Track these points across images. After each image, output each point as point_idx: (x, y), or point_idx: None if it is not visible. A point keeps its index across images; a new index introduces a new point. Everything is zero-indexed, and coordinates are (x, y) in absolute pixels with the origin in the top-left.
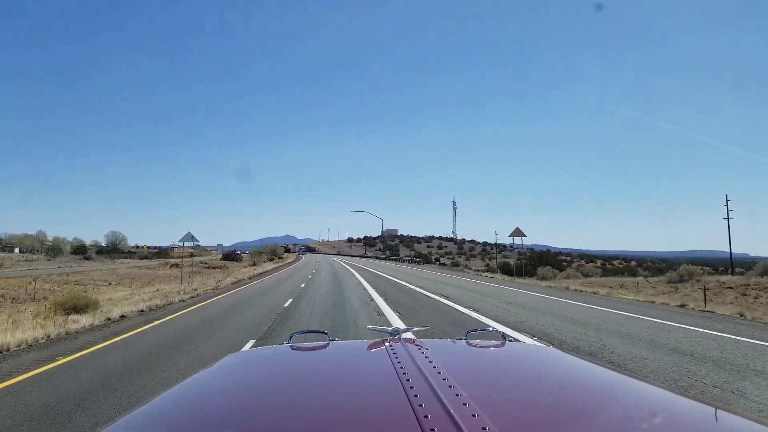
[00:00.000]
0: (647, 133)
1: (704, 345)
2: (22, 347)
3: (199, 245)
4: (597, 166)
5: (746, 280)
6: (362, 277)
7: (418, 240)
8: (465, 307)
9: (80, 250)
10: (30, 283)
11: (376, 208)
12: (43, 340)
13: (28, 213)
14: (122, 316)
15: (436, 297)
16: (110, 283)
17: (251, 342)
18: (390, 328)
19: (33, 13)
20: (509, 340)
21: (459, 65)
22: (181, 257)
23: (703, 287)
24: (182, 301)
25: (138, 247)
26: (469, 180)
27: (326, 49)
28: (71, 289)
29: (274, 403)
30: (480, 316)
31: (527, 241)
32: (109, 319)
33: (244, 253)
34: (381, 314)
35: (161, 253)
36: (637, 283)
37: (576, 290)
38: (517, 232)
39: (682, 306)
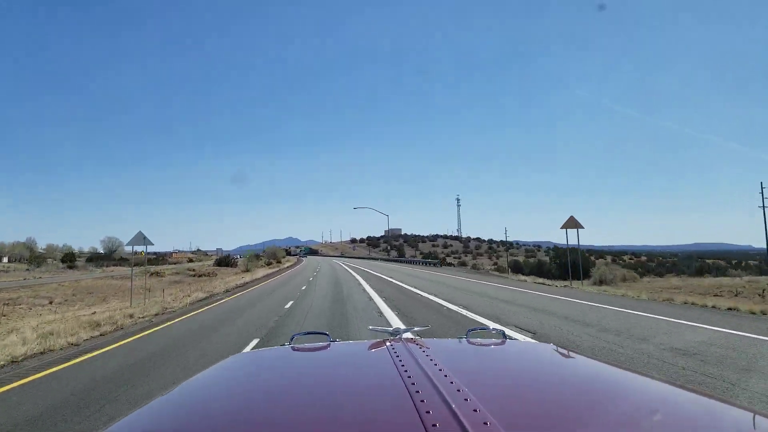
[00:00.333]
0: (648, 132)
1: None
2: None
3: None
4: (596, 162)
5: None
6: (373, 289)
7: (423, 239)
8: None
9: (69, 258)
10: None
11: (379, 207)
12: None
13: (27, 221)
14: None
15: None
16: (51, 302)
17: None
18: (391, 328)
19: (27, 17)
20: (510, 339)
21: (459, 66)
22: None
23: None
24: (75, 345)
25: (135, 253)
26: (471, 178)
27: (328, 49)
28: None
29: (277, 403)
30: None
31: (529, 239)
32: None
33: (244, 257)
34: None
35: (159, 258)
36: (743, 287)
37: (688, 303)
38: (572, 223)
39: None
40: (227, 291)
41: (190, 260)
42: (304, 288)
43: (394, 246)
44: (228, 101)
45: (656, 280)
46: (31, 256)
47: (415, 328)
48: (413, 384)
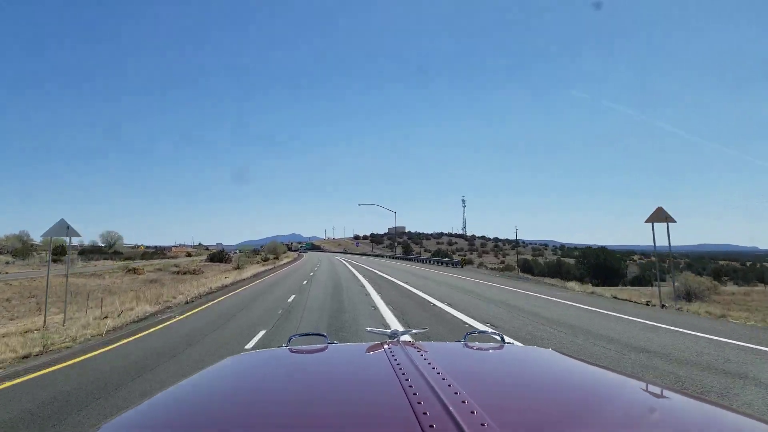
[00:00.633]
0: (647, 131)
1: None
2: None
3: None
4: (596, 163)
5: None
6: (382, 299)
7: (427, 236)
8: None
9: (60, 251)
10: None
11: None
12: None
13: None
14: None
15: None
16: None
17: None
18: (389, 331)
19: (27, 17)
20: (508, 343)
21: (460, 65)
22: (176, 256)
23: None
24: None
25: (136, 246)
26: (475, 177)
27: (330, 50)
28: None
29: (273, 404)
30: None
31: (532, 237)
32: None
33: (239, 253)
34: None
35: (157, 252)
36: None
37: None
38: (659, 215)
39: None
40: (188, 302)
41: (189, 254)
42: (291, 300)
43: (399, 243)
44: (234, 102)
45: (722, 290)
46: (16, 249)
47: (413, 331)
48: (410, 386)
